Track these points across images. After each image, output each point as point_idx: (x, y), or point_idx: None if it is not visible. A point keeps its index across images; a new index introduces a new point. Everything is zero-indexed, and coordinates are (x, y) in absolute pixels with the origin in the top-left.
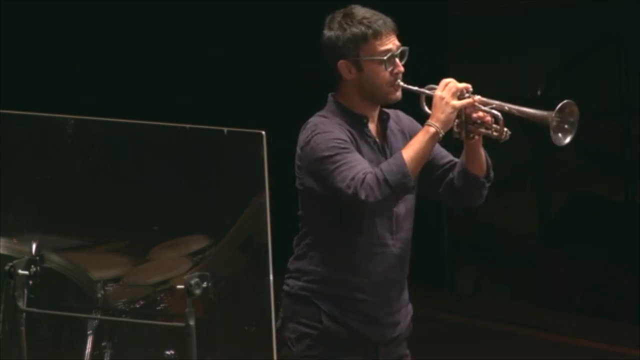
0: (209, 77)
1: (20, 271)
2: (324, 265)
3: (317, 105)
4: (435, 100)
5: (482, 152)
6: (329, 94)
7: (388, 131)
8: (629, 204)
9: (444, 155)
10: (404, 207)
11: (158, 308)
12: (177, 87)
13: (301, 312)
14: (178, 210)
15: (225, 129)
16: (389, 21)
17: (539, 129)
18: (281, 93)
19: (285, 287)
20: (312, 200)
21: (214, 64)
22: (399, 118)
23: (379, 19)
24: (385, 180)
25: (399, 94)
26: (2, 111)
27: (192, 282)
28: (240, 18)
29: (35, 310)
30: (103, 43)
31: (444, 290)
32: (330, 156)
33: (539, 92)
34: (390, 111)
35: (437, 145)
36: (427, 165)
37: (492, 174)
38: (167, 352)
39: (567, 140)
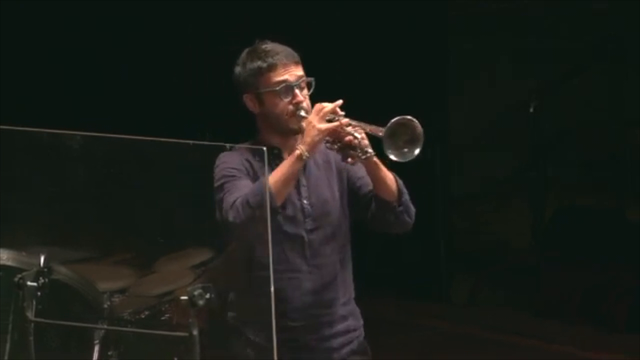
0: (213, 94)
1: (29, 283)
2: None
3: None
4: (306, 124)
5: (387, 175)
6: None
7: (308, 161)
8: (625, 214)
9: (369, 183)
10: (322, 234)
11: (162, 318)
12: (182, 103)
13: (233, 343)
14: (182, 223)
15: (228, 145)
16: (291, 53)
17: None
18: None
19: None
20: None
21: (217, 80)
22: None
23: (278, 52)
24: (247, 202)
25: (303, 124)
26: (12, 127)
27: (196, 293)
28: (244, 24)
29: (43, 320)
30: (107, 60)
31: (440, 298)
32: (220, 185)
33: (535, 97)
34: None
35: (365, 174)
36: (354, 194)
37: (404, 199)
38: None
39: (410, 155)
